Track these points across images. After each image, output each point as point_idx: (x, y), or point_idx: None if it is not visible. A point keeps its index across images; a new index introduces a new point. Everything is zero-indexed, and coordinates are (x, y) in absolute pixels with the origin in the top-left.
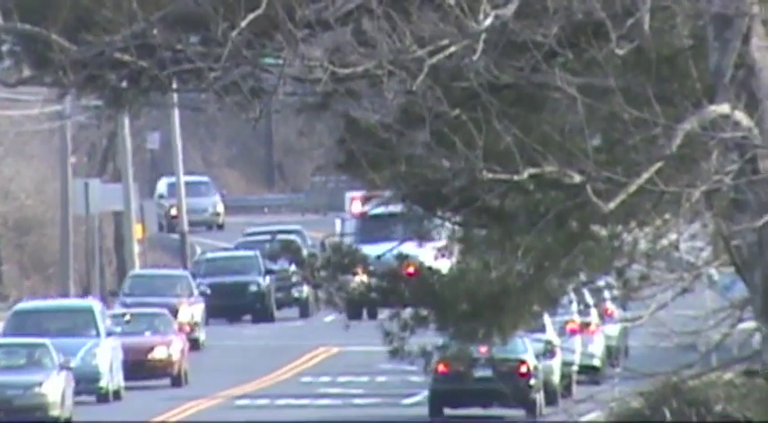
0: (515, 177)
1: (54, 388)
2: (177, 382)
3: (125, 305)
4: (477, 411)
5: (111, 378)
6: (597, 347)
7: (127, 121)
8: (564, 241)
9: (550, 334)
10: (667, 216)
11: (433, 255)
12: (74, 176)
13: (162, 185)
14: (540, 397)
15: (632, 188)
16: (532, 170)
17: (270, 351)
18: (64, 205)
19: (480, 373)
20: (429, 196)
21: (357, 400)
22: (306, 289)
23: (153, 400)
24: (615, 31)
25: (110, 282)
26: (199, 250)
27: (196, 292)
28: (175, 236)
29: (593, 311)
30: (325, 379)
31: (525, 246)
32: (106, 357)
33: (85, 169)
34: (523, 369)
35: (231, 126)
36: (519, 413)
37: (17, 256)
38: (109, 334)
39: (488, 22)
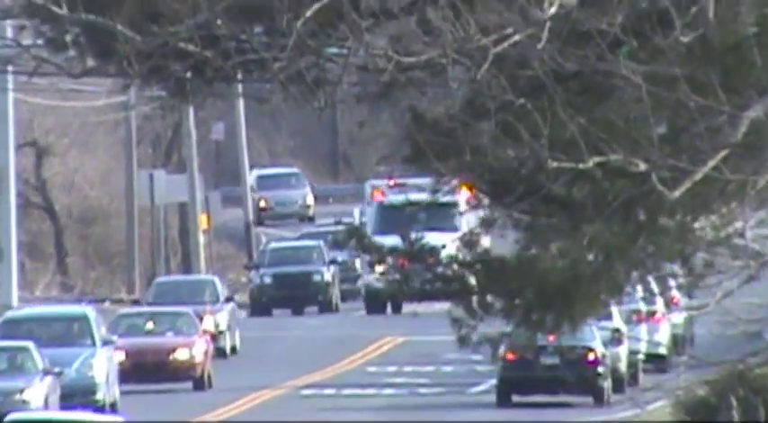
0: (581, 166)
1: (37, 394)
2: (200, 385)
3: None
4: (544, 399)
5: (108, 390)
6: (663, 336)
7: (191, 112)
8: (631, 230)
9: (617, 322)
10: (733, 204)
11: (455, 245)
12: (139, 167)
13: (251, 177)
14: (607, 385)
15: (698, 176)
16: (598, 159)
17: (335, 341)
18: (129, 196)
19: (548, 360)
20: (495, 186)
21: (423, 390)
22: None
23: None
24: (680, 19)
25: (175, 272)
26: (264, 240)
27: (223, 297)
28: (241, 226)
29: (659, 300)
30: (392, 369)
31: (592, 235)
32: (102, 368)
33: (150, 160)
34: (591, 357)
35: (296, 116)
36: (586, 400)
37: (82, 248)
38: (105, 343)
39: (553, 10)
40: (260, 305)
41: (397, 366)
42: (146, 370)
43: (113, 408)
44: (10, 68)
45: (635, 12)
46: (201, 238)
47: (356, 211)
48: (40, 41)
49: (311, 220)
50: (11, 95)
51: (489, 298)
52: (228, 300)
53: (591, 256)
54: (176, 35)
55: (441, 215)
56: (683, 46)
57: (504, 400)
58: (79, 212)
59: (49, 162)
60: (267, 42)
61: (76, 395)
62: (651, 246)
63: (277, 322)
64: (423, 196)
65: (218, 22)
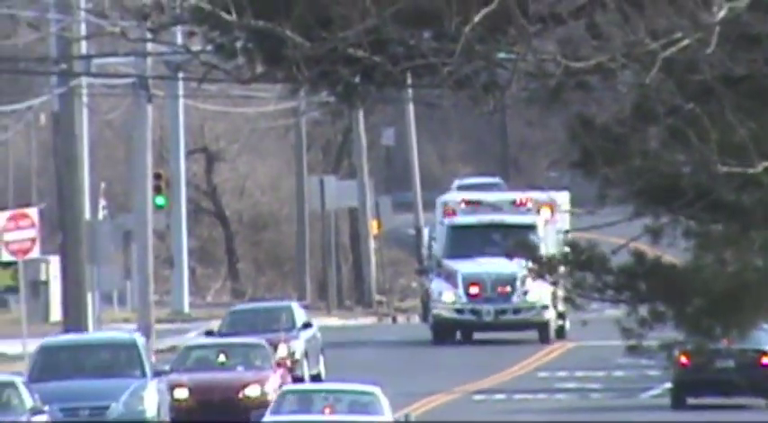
0: (750, 171)
1: None
2: None
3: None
4: (719, 401)
5: None
6: None
7: (361, 117)
8: None
9: None
10: None
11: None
12: (309, 173)
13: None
14: None
15: None
16: (767, 163)
17: (506, 347)
18: (299, 202)
19: (722, 363)
20: (663, 191)
21: (594, 395)
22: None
23: None
24: None
25: (346, 278)
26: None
27: (300, 323)
28: (411, 231)
29: None
30: (562, 374)
31: (761, 241)
32: (153, 401)
33: (321, 165)
34: (765, 359)
35: (465, 121)
36: (761, 402)
37: (253, 254)
38: (156, 374)
39: (722, 14)
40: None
41: (568, 371)
42: (212, 408)
43: None
44: (180, 75)
45: None
46: (372, 244)
47: (425, 232)
48: (209, 48)
49: None
50: (181, 102)
51: (660, 306)
52: (306, 326)
53: (760, 263)
54: (345, 40)
55: (518, 238)
56: None
57: (678, 403)
58: (250, 218)
59: (219, 168)
60: (436, 47)
61: None
62: None
63: None
64: (498, 217)
65: (388, 27)
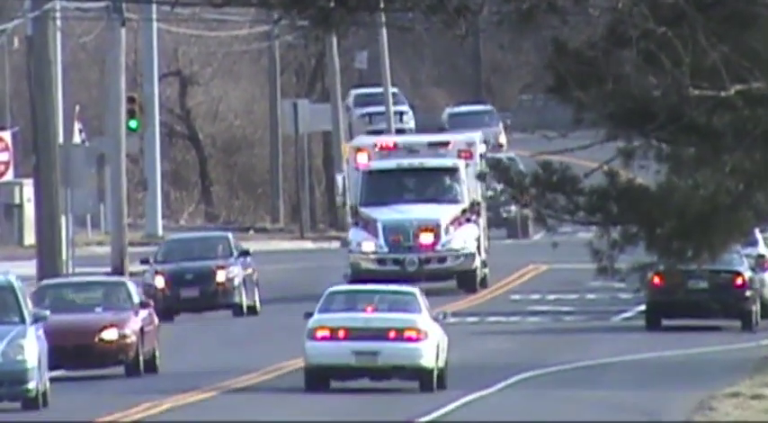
0: (722, 94)
1: None
2: (133, 371)
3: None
4: (693, 322)
5: (40, 378)
6: None
7: (335, 41)
8: None
9: (762, 248)
10: None
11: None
12: (282, 97)
13: (445, 115)
14: (755, 309)
15: None
16: (739, 87)
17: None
18: (273, 125)
19: (695, 284)
20: (636, 114)
21: (567, 317)
22: (514, 209)
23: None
24: None
25: (320, 201)
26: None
27: (236, 253)
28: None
29: None
30: (535, 296)
31: (733, 163)
32: (33, 351)
33: (294, 89)
34: (739, 281)
35: (438, 45)
36: (735, 324)
37: (226, 177)
38: (36, 320)
39: None
40: None
41: (541, 294)
42: (67, 353)
43: (45, 400)
44: None
45: None
46: (345, 167)
47: (339, 179)
48: None
49: None
50: (155, 25)
51: (631, 228)
52: (244, 254)
53: (731, 185)
54: None
55: (438, 183)
56: None
57: (653, 324)
58: (223, 141)
59: (192, 91)
60: None
61: (3, 384)
62: None
63: None
64: (418, 160)
65: None
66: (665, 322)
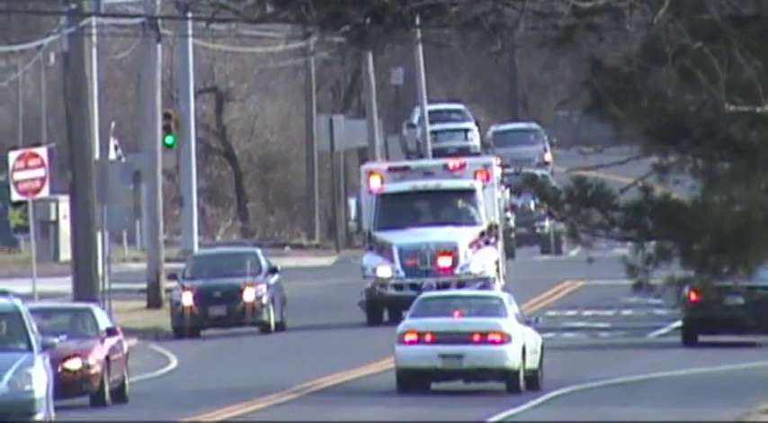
0: (758, 109)
1: None
2: (98, 402)
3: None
4: (730, 339)
5: (47, 409)
6: None
7: (371, 57)
8: None
9: None
10: None
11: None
12: (318, 113)
13: (489, 133)
14: None
15: None
16: None
17: (514, 285)
18: (308, 142)
19: (731, 301)
20: (672, 130)
21: (603, 334)
22: (548, 224)
23: None
24: None
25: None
26: None
27: (265, 269)
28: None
29: None
30: (571, 313)
31: None
32: (41, 380)
33: (330, 105)
34: None
35: (474, 61)
36: None
37: (262, 193)
38: (44, 347)
39: None
40: None
41: (577, 310)
42: None
43: None
44: (189, 15)
45: None
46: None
47: (351, 203)
48: None
49: None
50: (190, 42)
51: (667, 243)
52: (273, 271)
53: (766, 201)
54: None
55: (455, 205)
56: None
57: (689, 340)
58: (259, 158)
59: (229, 108)
60: None
61: (10, 415)
62: None
63: None
64: (434, 182)
65: None
66: (701, 338)
